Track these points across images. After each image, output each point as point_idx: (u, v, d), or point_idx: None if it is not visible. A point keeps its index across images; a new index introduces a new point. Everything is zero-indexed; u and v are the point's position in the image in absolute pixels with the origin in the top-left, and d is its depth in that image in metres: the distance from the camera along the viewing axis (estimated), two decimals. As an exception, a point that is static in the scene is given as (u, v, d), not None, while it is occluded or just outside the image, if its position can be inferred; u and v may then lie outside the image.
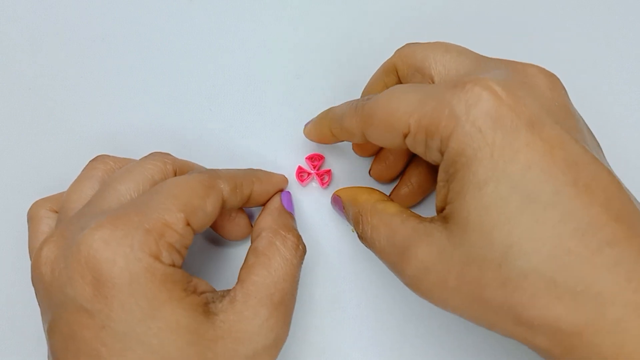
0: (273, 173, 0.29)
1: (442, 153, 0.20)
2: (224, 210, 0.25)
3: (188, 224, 0.22)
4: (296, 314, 0.28)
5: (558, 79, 0.22)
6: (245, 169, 0.28)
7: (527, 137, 0.19)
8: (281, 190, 0.29)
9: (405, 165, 0.29)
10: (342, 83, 0.33)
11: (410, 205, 0.30)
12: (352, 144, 0.31)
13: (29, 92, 0.33)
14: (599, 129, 0.32)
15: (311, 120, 0.29)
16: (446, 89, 0.20)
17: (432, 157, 0.21)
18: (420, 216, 0.23)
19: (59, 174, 0.31)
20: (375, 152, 0.30)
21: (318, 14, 0.34)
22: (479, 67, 0.23)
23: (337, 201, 0.28)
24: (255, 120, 0.32)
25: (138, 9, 0.34)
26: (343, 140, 0.27)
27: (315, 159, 0.31)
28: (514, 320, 0.19)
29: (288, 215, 0.28)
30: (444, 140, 0.20)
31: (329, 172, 0.31)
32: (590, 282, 0.17)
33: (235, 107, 0.33)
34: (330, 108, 0.27)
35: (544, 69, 0.22)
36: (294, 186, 0.31)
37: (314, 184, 0.31)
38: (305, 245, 0.26)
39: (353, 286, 0.29)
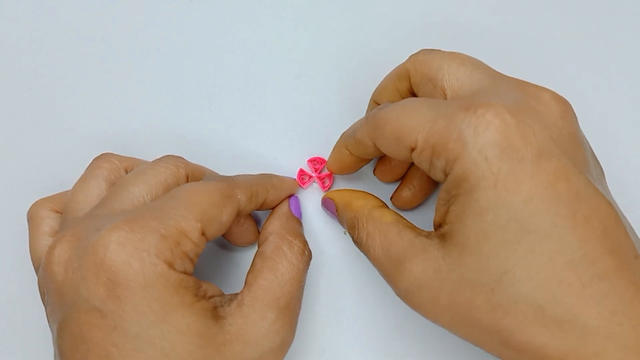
0: (285, 178, 0.29)
1: (445, 174, 0.21)
2: (236, 217, 0.25)
3: (203, 233, 0.22)
4: (296, 314, 0.28)
5: (570, 106, 0.22)
6: (260, 175, 0.28)
7: (532, 168, 0.19)
8: (290, 195, 0.29)
9: (409, 167, 0.29)
10: (343, 83, 0.33)
11: (412, 207, 0.30)
12: None
13: (29, 92, 0.33)
14: (599, 130, 0.32)
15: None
16: (458, 110, 0.20)
17: (435, 175, 0.22)
18: (416, 228, 0.23)
19: (59, 174, 0.31)
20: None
21: (318, 14, 0.34)
22: (493, 86, 0.23)
23: (329, 204, 0.28)
24: (255, 120, 0.32)
25: (138, 9, 0.34)
26: (361, 158, 0.27)
27: (318, 162, 0.31)
28: (501, 343, 0.19)
29: (295, 220, 0.28)
30: (449, 162, 0.20)
31: (330, 175, 0.31)
32: (577, 313, 0.18)
33: (235, 107, 0.33)
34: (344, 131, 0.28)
35: (557, 95, 0.22)
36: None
37: (315, 187, 0.31)
38: (310, 251, 0.26)
39: (353, 287, 0.29)
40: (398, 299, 0.29)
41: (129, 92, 0.33)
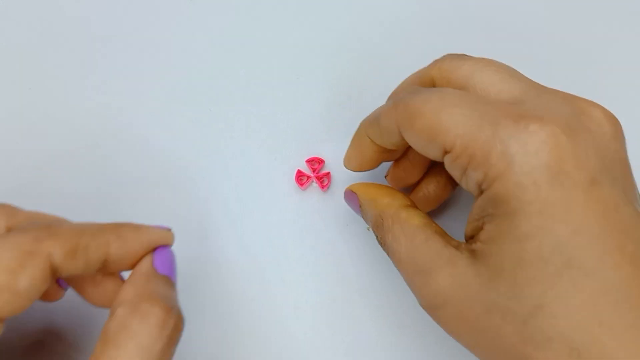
0: (147, 227, 0.22)
1: (481, 188, 0.19)
2: (66, 278, 0.20)
3: None
4: (296, 316, 0.28)
5: (621, 127, 0.20)
6: (103, 224, 0.21)
7: (584, 197, 0.17)
8: (158, 247, 0.22)
9: (425, 173, 0.27)
10: (342, 83, 0.33)
11: (429, 210, 0.28)
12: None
13: (29, 92, 0.33)
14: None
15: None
16: (506, 119, 0.18)
17: (467, 186, 0.20)
18: (446, 235, 0.21)
19: (59, 174, 0.31)
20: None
21: (318, 14, 0.34)
22: (539, 97, 0.20)
23: (352, 197, 0.26)
24: (255, 120, 0.32)
25: (138, 9, 0.34)
26: (384, 148, 0.24)
27: (316, 162, 0.31)
28: None
29: (159, 280, 0.21)
30: (489, 179, 0.18)
31: (328, 174, 0.31)
32: (615, 357, 0.17)
33: (235, 107, 0.33)
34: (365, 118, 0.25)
35: (608, 113, 0.20)
36: (293, 190, 0.31)
37: (314, 187, 0.31)
38: (182, 318, 0.20)
39: (353, 289, 0.29)
40: (401, 300, 0.29)
41: (129, 92, 0.33)
